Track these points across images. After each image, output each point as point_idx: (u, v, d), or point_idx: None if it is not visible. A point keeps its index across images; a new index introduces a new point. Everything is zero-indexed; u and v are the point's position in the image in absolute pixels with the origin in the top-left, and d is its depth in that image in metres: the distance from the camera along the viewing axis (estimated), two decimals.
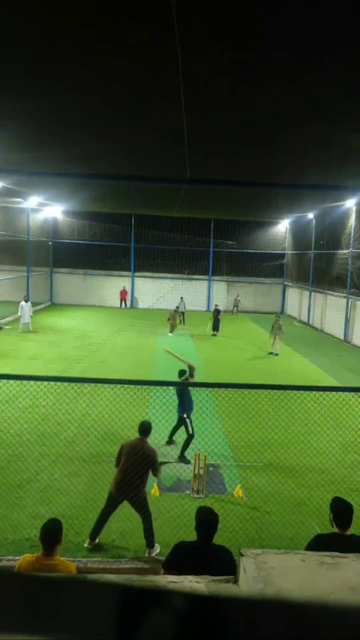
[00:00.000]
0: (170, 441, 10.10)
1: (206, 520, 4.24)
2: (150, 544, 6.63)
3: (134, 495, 6.52)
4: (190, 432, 9.50)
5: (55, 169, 15.30)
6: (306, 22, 5.63)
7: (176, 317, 25.49)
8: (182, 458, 9.51)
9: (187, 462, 9.31)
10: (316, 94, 8.01)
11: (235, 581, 1.93)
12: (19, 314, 24.02)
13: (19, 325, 23.88)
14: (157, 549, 6.64)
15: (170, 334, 24.62)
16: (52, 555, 4.23)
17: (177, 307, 27.16)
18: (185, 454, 9.52)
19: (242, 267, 36.99)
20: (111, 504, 6.63)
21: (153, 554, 6.57)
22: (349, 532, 4.35)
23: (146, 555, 6.58)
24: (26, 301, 24.13)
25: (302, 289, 32.89)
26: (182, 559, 4.03)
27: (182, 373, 9.69)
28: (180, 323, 27.23)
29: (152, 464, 6.62)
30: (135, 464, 6.53)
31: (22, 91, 8.51)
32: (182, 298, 30.41)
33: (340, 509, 4.40)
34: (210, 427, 10.56)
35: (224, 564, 3.86)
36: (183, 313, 28.24)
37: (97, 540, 6.72)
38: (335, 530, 4.37)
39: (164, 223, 35.34)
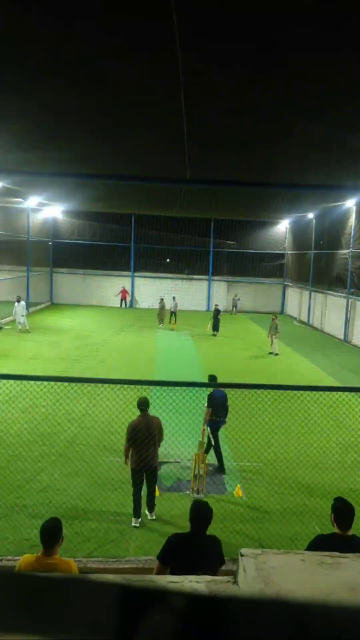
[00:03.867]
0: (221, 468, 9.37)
1: (200, 513, 4.40)
2: (151, 509, 7.54)
3: (153, 463, 7.40)
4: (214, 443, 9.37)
5: (55, 169, 15.29)
6: (306, 22, 5.63)
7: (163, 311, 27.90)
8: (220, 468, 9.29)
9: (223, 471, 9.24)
10: (316, 94, 8.01)
11: (235, 581, 1.93)
12: (13, 314, 24.05)
13: (17, 326, 23.89)
14: (154, 516, 7.54)
15: (161, 326, 27.07)
16: (52, 554, 4.22)
17: (162, 299, 28.85)
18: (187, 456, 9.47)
19: (242, 267, 36.97)
20: (137, 479, 7.42)
21: (150, 517, 7.50)
22: (350, 533, 4.34)
23: (149, 517, 7.47)
24: (18, 301, 23.98)
25: (302, 289, 32.88)
26: (174, 550, 4.26)
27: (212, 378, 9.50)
28: (173, 322, 27.75)
29: (160, 430, 7.54)
30: (150, 436, 7.35)
31: (22, 91, 8.51)
32: (174, 298, 30.26)
33: (342, 509, 4.38)
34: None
35: (213, 552, 4.25)
36: (175, 313, 28.37)
37: (140, 518, 7.39)
38: (336, 530, 4.36)
39: (164, 223, 35.33)
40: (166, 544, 4.36)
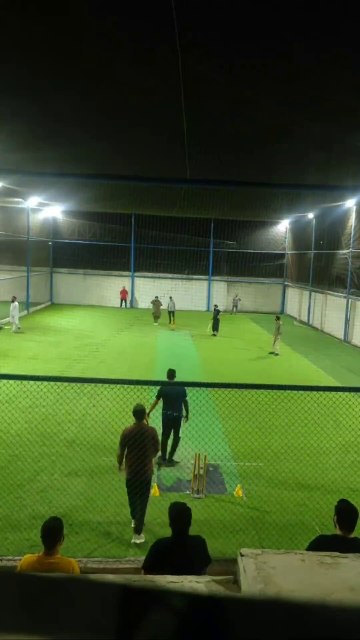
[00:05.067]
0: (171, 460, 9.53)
1: (178, 514, 4.39)
2: (138, 530, 6.93)
3: (144, 474, 6.96)
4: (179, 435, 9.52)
5: (55, 169, 15.29)
6: (306, 22, 5.63)
7: (158, 308, 28.65)
8: (170, 461, 9.48)
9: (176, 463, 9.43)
10: (316, 94, 8.01)
11: (235, 581, 1.93)
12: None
13: (18, 326, 23.90)
14: (142, 538, 6.89)
15: (155, 324, 27.74)
16: (53, 554, 4.23)
17: (156, 297, 29.71)
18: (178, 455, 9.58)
19: (242, 267, 36.96)
20: (132, 489, 7.00)
21: (137, 541, 6.85)
22: (352, 535, 4.31)
23: (137, 541, 6.86)
24: (13, 301, 24.02)
25: (302, 289, 32.87)
26: (158, 556, 4.23)
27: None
28: (173, 322, 27.87)
29: (155, 441, 7.22)
30: (142, 445, 7.00)
31: (22, 91, 8.51)
32: (171, 297, 30.25)
33: (346, 511, 4.35)
34: (210, 427, 10.56)
35: (198, 552, 4.23)
36: (173, 312, 28.40)
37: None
38: (338, 532, 4.34)
39: (164, 223, 35.29)
40: (149, 552, 4.35)
